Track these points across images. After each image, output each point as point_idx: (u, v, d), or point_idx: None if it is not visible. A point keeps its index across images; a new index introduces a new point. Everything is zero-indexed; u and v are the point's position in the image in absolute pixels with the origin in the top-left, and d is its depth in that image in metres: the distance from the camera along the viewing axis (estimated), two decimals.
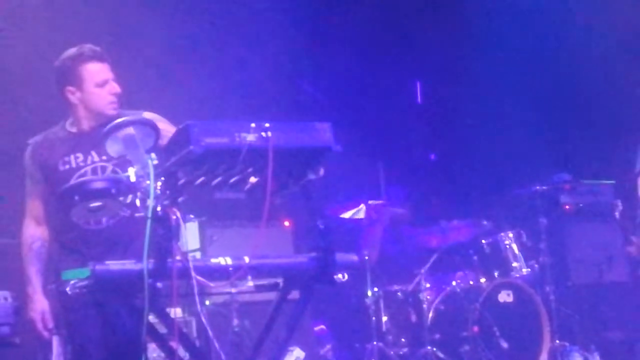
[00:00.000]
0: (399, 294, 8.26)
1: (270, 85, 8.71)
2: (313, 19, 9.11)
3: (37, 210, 5.12)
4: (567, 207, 8.94)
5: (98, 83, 5.03)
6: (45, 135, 5.17)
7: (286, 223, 7.97)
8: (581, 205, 9.01)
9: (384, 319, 8.12)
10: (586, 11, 9.42)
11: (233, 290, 4.24)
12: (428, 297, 8.11)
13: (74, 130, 5.11)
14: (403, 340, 8.17)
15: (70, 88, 5.05)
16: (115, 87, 5.08)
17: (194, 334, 6.32)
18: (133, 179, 4.09)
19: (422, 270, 8.17)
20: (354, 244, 8.21)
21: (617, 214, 8.05)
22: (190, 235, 4.15)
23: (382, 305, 8.13)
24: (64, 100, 5.11)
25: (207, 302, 5.03)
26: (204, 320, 4.05)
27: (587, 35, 9.51)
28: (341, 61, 9.27)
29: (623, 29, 9.19)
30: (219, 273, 4.19)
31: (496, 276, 8.32)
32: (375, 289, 8.10)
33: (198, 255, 4.25)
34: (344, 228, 8.15)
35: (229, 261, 4.18)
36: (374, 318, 7.99)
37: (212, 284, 4.18)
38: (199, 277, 4.03)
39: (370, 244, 8.42)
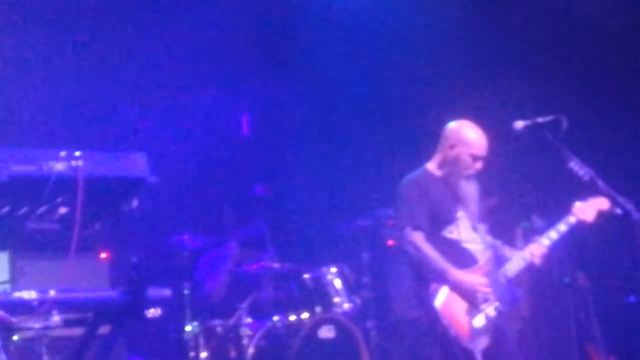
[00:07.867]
0: (218, 328, 8.12)
1: (88, 112, 8.49)
2: (138, 45, 8.91)
3: None
4: (390, 242, 8.97)
5: None
6: None
7: (103, 255, 7.74)
8: None
9: (203, 354, 7.97)
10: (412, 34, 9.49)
11: (37, 325, 4.08)
12: (249, 332, 8.02)
13: None
14: None
15: None
16: None
17: None
18: None
19: (243, 305, 8.09)
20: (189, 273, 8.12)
21: None
22: None
23: (201, 340, 7.99)
24: None
25: (15, 337, 4.82)
26: (3, 357, 3.85)
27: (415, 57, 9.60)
28: (167, 91, 9.14)
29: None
30: (23, 307, 4.04)
31: (318, 311, 8.29)
32: (195, 323, 7.95)
33: (7, 287, 4.06)
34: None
35: (34, 295, 4.04)
36: (192, 353, 7.85)
37: (14, 319, 4.02)
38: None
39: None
